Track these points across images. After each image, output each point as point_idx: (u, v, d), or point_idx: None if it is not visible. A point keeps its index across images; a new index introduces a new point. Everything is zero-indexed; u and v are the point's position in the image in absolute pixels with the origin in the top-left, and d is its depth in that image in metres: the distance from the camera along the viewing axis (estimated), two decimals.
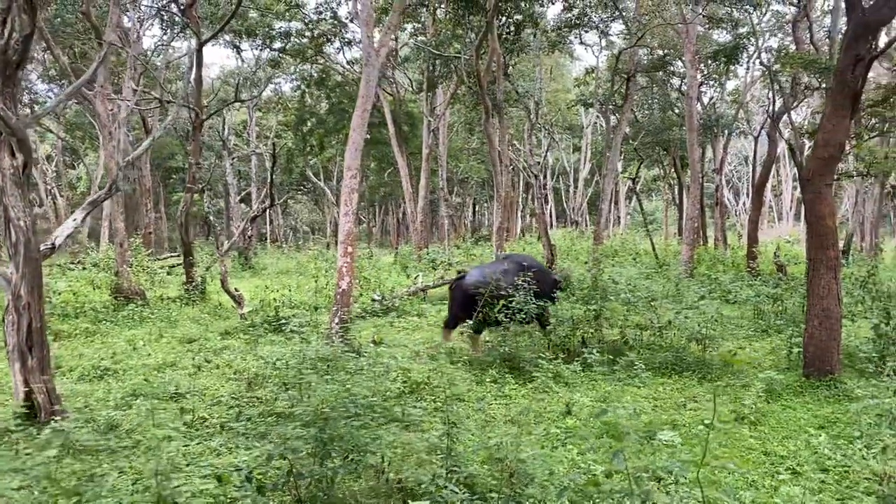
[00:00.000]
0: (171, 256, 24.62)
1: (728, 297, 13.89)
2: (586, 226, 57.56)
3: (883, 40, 13.69)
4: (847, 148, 17.81)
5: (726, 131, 25.66)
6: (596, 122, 40.07)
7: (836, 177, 19.80)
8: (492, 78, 15.46)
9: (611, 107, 30.42)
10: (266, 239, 46.08)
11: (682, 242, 18.39)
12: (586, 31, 17.19)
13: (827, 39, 18.00)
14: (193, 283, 14.88)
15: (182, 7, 15.23)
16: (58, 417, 6.47)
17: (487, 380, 8.20)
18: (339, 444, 4.59)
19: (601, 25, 16.43)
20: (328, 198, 32.48)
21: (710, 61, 20.39)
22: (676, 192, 33.22)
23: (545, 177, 46.84)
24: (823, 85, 15.66)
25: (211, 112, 18.07)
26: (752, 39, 18.88)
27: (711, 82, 29.47)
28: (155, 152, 43.10)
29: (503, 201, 16.29)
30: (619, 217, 49.86)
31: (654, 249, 21.60)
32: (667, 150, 29.24)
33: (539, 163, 27.96)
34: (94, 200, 7.50)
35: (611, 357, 9.02)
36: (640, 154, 26.12)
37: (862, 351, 8.19)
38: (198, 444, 6.09)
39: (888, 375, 6.06)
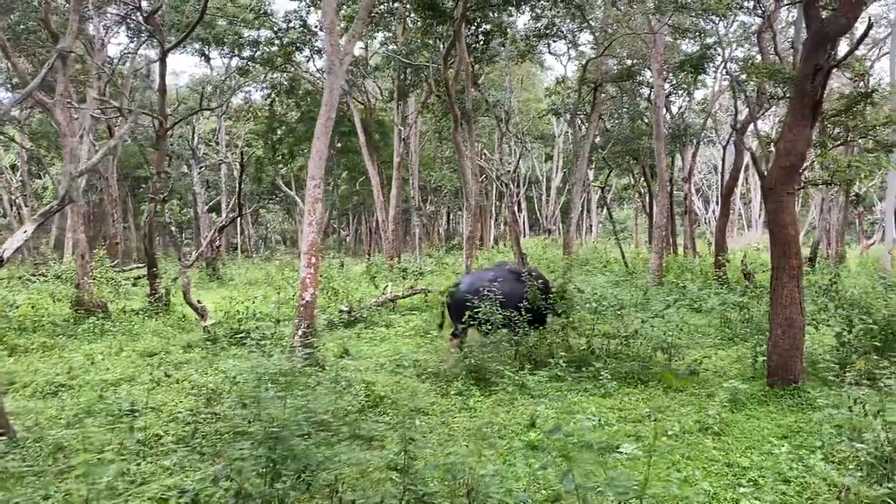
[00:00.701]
0: (138, 267, 24.19)
1: (695, 306, 13.94)
2: (559, 234, 57.90)
3: (844, 50, 13.91)
4: (812, 157, 18.08)
5: (694, 140, 25.92)
6: (567, 132, 40.29)
7: (801, 185, 20.07)
8: (461, 87, 15.43)
9: (581, 116, 30.65)
10: (237, 249, 45.58)
11: (651, 251, 18.47)
12: (554, 41, 17.24)
13: (791, 50, 18.25)
14: (157, 295, 14.58)
15: (145, 15, 14.97)
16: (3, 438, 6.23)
17: (452, 392, 8.10)
18: (290, 463, 4.45)
19: (569, 35, 16.47)
20: (299, 207, 32.16)
21: (677, 71, 20.57)
22: (647, 200, 33.49)
23: (517, 185, 46.99)
24: (788, 94, 15.85)
25: (175, 121, 17.76)
26: (719, 49, 19.10)
27: (680, 92, 29.82)
28: (122, 162, 42.43)
29: (473, 210, 16.23)
30: (591, 225, 50.14)
31: (623, 258, 21.68)
32: (636, 160, 29.46)
33: (510, 172, 27.95)
34: (45, 212, 7.27)
35: (578, 367, 9.00)
36: (610, 163, 26.24)
37: (825, 359, 8.22)
38: (150, 463, 5.89)
39: (849, 385, 6.06)
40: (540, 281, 10.11)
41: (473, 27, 15.91)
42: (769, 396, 7.57)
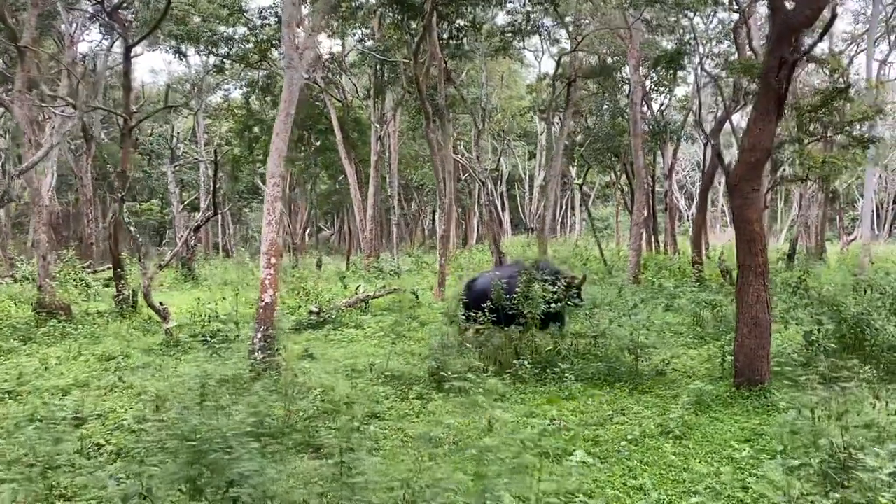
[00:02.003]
0: (111, 268, 23.71)
1: (670, 304, 13.79)
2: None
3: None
4: (788, 153, 18.03)
5: (674, 137, 25.81)
6: (550, 129, 40.15)
7: (777, 182, 19.98)
8: (434, 83, 15.18)
9: (557, 113, 30.44)
10: (219, 248, 45.07)
11: (629, 248, 18.32)
12: (529, 38, 16.99)
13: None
14: (123, 297, 14.24)
15: (108, 10, 14.61)
16: None
17: (412, 396, 7.86)
18: (214, 477, 4.19)
19: (543, 31, 16.23)
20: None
21: (653, 67, 20.40)
22: (629, 197, 33.38)
23: (501, 184, 46.80)
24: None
25: (141, 118, 17.40)
26: (694, 45, 18.95)
27: (661, 89, 29.70)
28: (101, 161, 41.84)
29: (448, 209, 16.00)
30: (574, 223, 50.08)
31: (602, 255, 21.54)
32: (617, 156, 29.32)
33: (488, 169, 27.72)
34: None
35: (543, 368, 8.79)
36: (588, 160, 26.07)
37: (793, 359, 8.05)
38: (85, 474, 5.61)
39: (812, 389, 5.87)
40: (560, 278, 10.17)
41: (447, 23, 15.68)
42: (735, 398, 7.39)
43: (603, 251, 21.93)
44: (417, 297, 15.85)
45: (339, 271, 22.31)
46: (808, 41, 8.37)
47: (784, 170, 21.08)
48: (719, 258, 17.13)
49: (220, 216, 34.54)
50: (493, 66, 37.76)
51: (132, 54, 14.56)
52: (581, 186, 27.91)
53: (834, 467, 4.27)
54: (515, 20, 16.13)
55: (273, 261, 9.26)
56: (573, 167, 37.43)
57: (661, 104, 31.14)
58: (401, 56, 19.04)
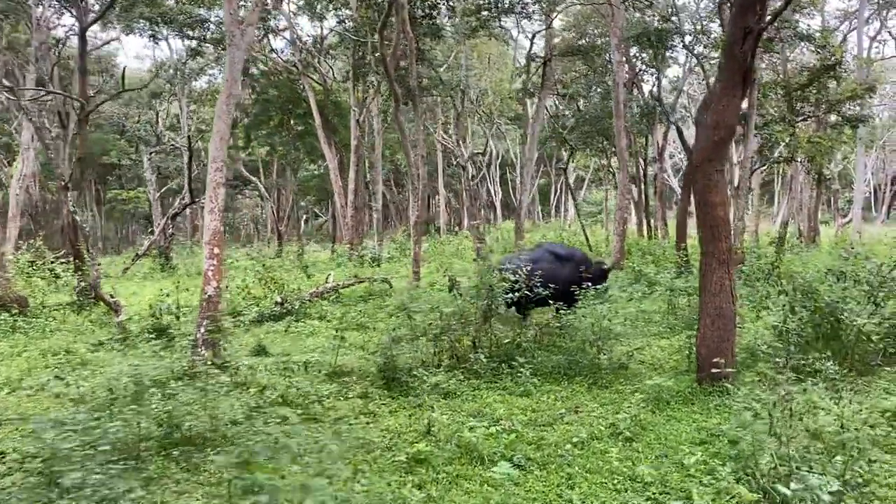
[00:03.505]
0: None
1: (648, 291, 13.31)
2: (540, 217, 57.14)
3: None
4: (775, 132, 17.46)
5: (664, 119, 25.16)
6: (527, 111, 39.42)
7: (763, 163, 19.40)
8: (405, 64, 14.57)
9: (554, 94, 29.72)
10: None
11: (614, 233, 17.81)
12: (505, 16, 16.30)
13: None
14: (82, 289, 13.76)
15: None
16: None
17: (353, 394, 7.38)
18: (79, 496, 3.73)
19: (518, 8, 15.59)
20: (261, 192, 31.36)
21: (637, 45, 19.75)
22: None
23: (493, 168, 46.17)
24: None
25: (98, 103, 16.83)
26: (677, 22, 18.30)
27: (651, 70, 29.01)
28: (86, 148, 41.23)
29: (421, 194, 15.47)
30: (567, 208, 49.50)
31: (587, 240, 21.02)
32: (608, 139, 28.69)
33: (467, 154, 27.11)
34: None
35: (502, 362, 8.31)
36: (571, 143, 25.47)
37: (763, 351, 7.58)
38: None
39: (771, 387, 5.40)
40: (583, 264, 10.40)
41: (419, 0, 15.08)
42: (696, 394, 6.91)
43: (588, 236, 21.38)
44: (391, 286, 15.38)
45: (316, 259, 21.83)
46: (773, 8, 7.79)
47: (779, 152, 20.51)
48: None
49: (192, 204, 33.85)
50: (483, 47, 37.08)
51: (95, 36, 13.98)
52: (565, 170, 27.19)
53: (780, 476, 3.81)
54: None
55: (216, 251, 8.78)
56: (565, 151, 36.83)
57: (653, 85, 30.51)
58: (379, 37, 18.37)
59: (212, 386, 6.86)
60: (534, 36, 17.77)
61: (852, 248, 10.59)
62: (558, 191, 54.38)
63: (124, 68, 20.68)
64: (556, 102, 35.25)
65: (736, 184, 15.91)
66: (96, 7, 22.41)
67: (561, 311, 9.40)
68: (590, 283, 9.92)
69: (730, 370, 6.93)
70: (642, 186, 32.59)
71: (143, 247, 23.44)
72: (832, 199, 36.50)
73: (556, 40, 24.84)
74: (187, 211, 36.17)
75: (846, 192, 46.16)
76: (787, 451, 3.99)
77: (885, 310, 8.09)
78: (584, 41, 25.71)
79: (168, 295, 12.08)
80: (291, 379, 7.48)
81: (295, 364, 8.80)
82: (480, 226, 19.09)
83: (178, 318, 11.02)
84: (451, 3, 15.08)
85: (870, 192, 52.75)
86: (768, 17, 7.17)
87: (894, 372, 7.24)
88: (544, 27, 16.31)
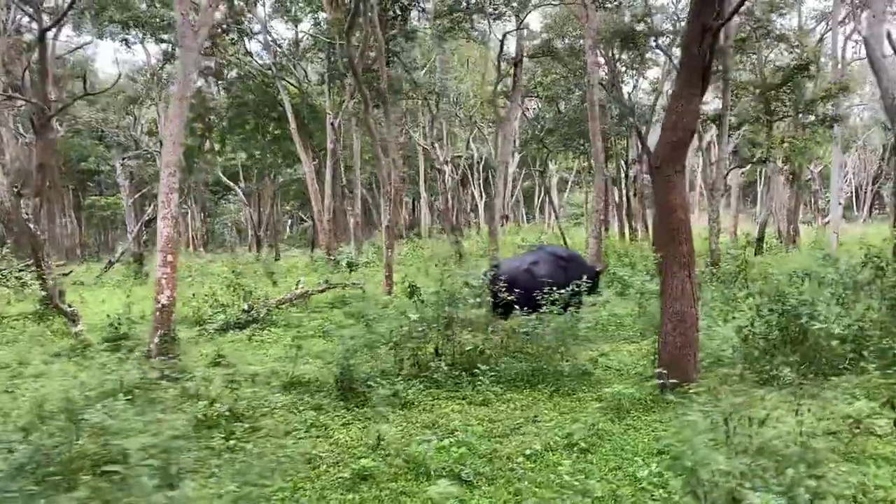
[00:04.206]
0: (60, 264, 22.78)
1: (622, 293, 13.14)
2: (524, 220, 57.04)
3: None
4: (748, 133, 17.43)
5: (643, 120, 25.10)
6: (524, 114, 39.34)
7: (738, 164, 19.32)
8: (376, 66, 14.36)
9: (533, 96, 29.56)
10: (188, 243, 44.07)
11: (590, 235, 17.66)
12: (479, 17, 16.12)
13: None
14: (42, 298, 13.42)
15: None
16: None
17: (303, 407, 7.13)
18: None
19: (489, 8, 15.41)
20: (240, 197, 31.03)
21: (610, 46, 19.64)
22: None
23: (477, 171, 46.02)
24: (719, 68, 15.06)
25: (59, 108, 16.49)
26: (650, 22, 18.21)
27: (632, 71, 29.00)
28: (64, 154, 40.70)
29: (393, 198, 15.24)
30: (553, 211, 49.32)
31: (565, 243, 20.87)
32: (588, 141, 28.52)
33: (454, 157, 26.93)
34: None
35: (464, 370, 8.10)
36: (548, 146, 25.34)
37: (727, 357, 7.41)
38: None
39: (728, 395, 5.21)
40: (572, 260, 10.63)
41: (390, 1, 14.84)
42: (657, 402, 6.72)
43: (567, 239, 21.24)
44: (364, 292, 15.14)
45: (292, 265, 21.55)
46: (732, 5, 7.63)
47: (754, 152, 20.44)
48: None
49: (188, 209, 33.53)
50: (464, 50, 36.95)
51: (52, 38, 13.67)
52: (542, 173, 27.06)
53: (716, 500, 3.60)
54: None
55: (170, 258, 8.53)
56: (543, 153, 36.69)
57: (633, 87, 30.49)
58: (355, 40, 18.15)
59: (168, 398, 6.64)
60: (504, 36, 17.62)
61: (823, 250, 10.50)
62: (542, 193, 54.29)
63: (85, 72, 20.33)
64: (539, 105, 35.22)
65: (710, 184, 15.82)
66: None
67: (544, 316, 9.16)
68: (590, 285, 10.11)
69: (693, 376, 6.76)
70: (623, 188, 32.58)
71: (116, 253, 23.03)
72: (813, 199, 36.52)
73: (536, 42, 24.75)
74: None
75: (827, 193, 46.31)
76: (734, 466, 3.79)
77: (853, 312, 7.97)
78: (563, 42, 25.64)
79: (132, 303, 11.77)
80: (243, 391, 7.22)
81: (252, 375, 8.56)
82: (457, 228, 18.84)
83: (130, 329, 10.69)
84: (422, 5, 14.89)
85: (851, 192, 53.05)
86: (727, 13, 6.99)
87: (861, 375, 7.09)
88: (522, 28, 16.10)
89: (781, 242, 24.77)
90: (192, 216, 37.84)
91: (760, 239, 20.77)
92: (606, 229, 34.34)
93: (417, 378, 7.90)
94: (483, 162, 47.29)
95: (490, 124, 43.10)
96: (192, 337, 11.48)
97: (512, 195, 44.86)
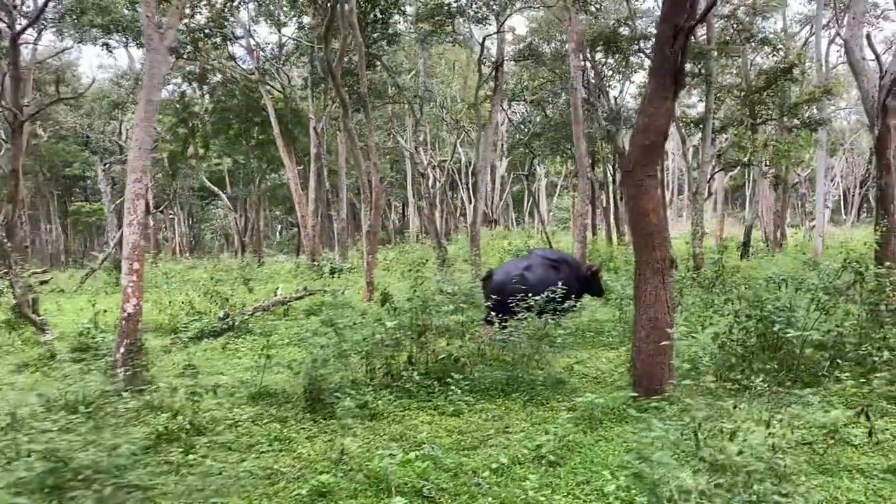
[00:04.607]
0: (35, 273, 22.44)
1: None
2: (513, 224, 56.87)
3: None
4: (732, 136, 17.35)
5: (628, 124, 24.97)
6: (509, 119, 39.28)
7: (721, 167, 19.23)
8: (354, 70, 14.18)
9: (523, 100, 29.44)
10: (176, 249, 43.72)
11: (575, 239, 17.52)
12: (460, 20, 15.96)
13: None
14: (13, 306, 13.15)
15: None
16: None
17: (266, 420, 6.93)
18: None
19: (469, 12, 15.25)
20: (225, 203, 30.77)
21: (592, 49, 19.55)
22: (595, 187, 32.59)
23: (465, 176, 45.86)
24: (701, 71, 14.97)
25: (32, 112, 16.24)
26: (633, 25, 18.13)
27: (619, 75, 28.92)
28: (46, 160, 40.33)
29: (374, 203, 15.06)
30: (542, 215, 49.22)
31: (550, 246, 20.73)
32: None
33: (441, 161, 26.80)
34: None
35: (437, 379, 7.92)
36: (533, 150, 25.25)
37: (704, 364, 7.26)
38: None
39: (696, 408, 5.06)
40: (565, 263, 10.61)
41: (370, 4, 14.66)
42: (630, 412, 6.55)
43: (552, 243, 21.12)
44: (334, 298, 14.95)
45: (275, 271, 21.32)
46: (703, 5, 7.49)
47: (746, 155, 20.36)
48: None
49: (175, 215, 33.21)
50: (451, 54, 36.85)
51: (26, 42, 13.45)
52: (527, 177, 26.97)
53: None
54: (443, 1, 15.10)
55: (136, 266, 8.31)
56: (536, 158, 36.59)
57: (620, 91, 30.40)
58: (336, 44, 18.00)
59: (120, 411, 6.42)
60: (484, 40, 17.47)
61: (805, 254, 10.39)
62: (531, 197, 54.19)
63: (58, 77, 20.06)
64: (526, 109, 35.14)
65: (694, 188, 15.76)
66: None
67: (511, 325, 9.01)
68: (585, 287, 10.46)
69: (667, 385, 6.60)
70: (610, 192, 32.51)
71: (97, 260, 22.73)
72: (800, 202, 36.55)
73: (521, 46, 24.66)
74: (151, 222, 35.58)
75: (814, 196, 46.39)
76: (695, 483, 3.62)
77: (832, 318, 7.84)
78: (549, 46, 25.57)
79: (99, 312, 11.55)
80: (207, 402, 7.00)
81: (216, 386, 8.37)
82: (440, 234, 18.69)
83: (102, 338, 10.44)
84: (402, 7, 14.72)
85: (839, 196, 53.20)
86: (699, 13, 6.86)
87: (839, 383, 6.96)
88: (503, 31, 15.96)
89: (768, 246, 24.75)
90: (178, 222, 37.53)
91: (746, 242, 20.70)
92: (594, 233, 34.40)
93: (389, 388, 7.73)
94: (472, 166, 47.16)
95: (477, 128, 43.07)
96: (164, 346, 11.29)
97: (501, 199, 44.73)
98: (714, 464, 3.96)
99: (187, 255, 35.28)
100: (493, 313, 9.37)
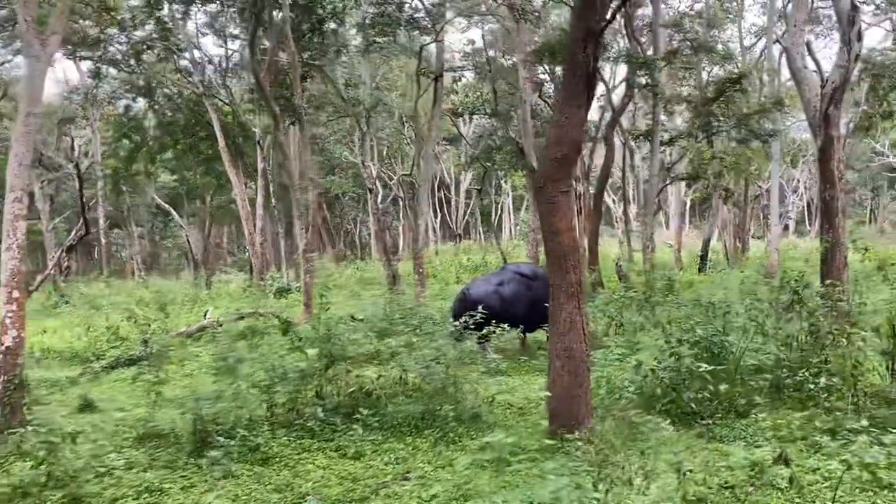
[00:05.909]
0: None
1: None
2: (481, 239, 56.39)
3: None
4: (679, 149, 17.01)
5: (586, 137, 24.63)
6: (473, 132, 38.83)
7: (667, 181, 18.87)
8: (289, 81, 13.55)
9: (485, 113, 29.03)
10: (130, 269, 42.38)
11: (527, 255, 17.01)
12: (396, 30, 15.39)
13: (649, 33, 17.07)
14: None
15: None
16: None
17: (138, 468, 6.18)
18: None
19: (404, 22, 14.72)
20: (177, 221, 29.83)
21: (538, 61, 19.14)
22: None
23: (432, 190, 45.32)
24: (649, 83, 14.59)
25: None
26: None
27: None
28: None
29: (311, 221, 14.38)
30: (502, 229, 48.90)
31: (505, 262, 20.16)
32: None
33: (402, 175, 26.17)
34: None
35: (346, 414, 7.24)
36: (484, 164, 24.83)
37: (629, 394, 6.69)
38: None
39: (610, 447, 4.47)
40: (539, 278, 10.20)
41: (306, 14, 14.02)
42: (545, 450, 5.94)
43: (505, 258, 20.56)
44: (282, 322, 14.19)
45: (221, 291, 20.48)
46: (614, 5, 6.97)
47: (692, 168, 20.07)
48: (616, 262, 15.93)
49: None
50: (412, 66, 36.35)
51: None
52: (479, 191, 26.51)
53: None
54: (384, 10, 14.50)
55: (16, 294, 7.52)
56: (500, 171, 36.16)
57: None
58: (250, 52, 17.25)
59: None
60: (421, 49, 16.97)
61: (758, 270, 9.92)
62: (499, 211, 53.80)
63: (4, 91, 19.16)
64: (495, 122, 34.73)
65: (642, 202, 15.34)
66: None
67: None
68: None
69: (585, 420, 6.01)
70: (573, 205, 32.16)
71: (35, 281, 21.66)
72: (762, 214, 36.55)
73: (478, 59, 24.20)
74: (103, 241, 34.45)
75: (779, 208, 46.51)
76: None
77: (771, 340, 7.35)
78: (508, 59, 25.15)
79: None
80: (82, 448, 6.24)
81: (117, 423, 7.64)
82: (388, 252, 18.06)
83: None
84: (340, 17, 14.15)
85: (803, 206, 53.47)
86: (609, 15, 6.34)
87: (776, 411, 6.45)
88: (440, 41, 15.46)
89: (728, 260, 24.43)
90: (133, 241, 36.38)
91: (704, 256, 20.33)
92: None
93: (291, 426, 7.04)
94: (438, 179, 46.63)
95: (442, 141, 42.60)
96: (72, 377, 10.50)
97: (465, 213, 44.20)
98: None
99: (142, 275, 34.08)
100: (466, 331, 8.83)
